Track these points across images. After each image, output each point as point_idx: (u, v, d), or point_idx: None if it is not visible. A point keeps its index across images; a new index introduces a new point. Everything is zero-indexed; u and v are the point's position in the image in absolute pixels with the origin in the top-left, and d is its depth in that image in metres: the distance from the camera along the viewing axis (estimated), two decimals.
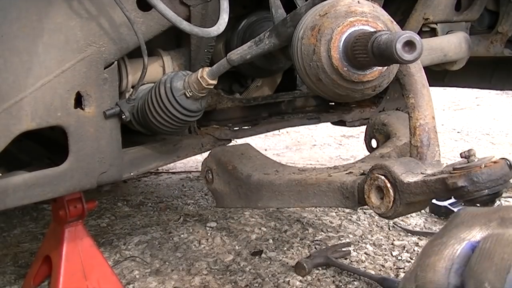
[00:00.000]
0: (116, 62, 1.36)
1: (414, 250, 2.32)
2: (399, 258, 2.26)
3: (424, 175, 1.10)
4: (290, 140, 4.97)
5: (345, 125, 2.27)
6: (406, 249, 2.34)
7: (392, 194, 1.12)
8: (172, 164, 3.72)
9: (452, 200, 2.60)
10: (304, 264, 2.09)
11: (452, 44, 1.87)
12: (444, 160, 1.25)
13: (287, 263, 2.22)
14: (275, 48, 1.28)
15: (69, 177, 1.35)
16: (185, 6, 1.44)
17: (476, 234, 0.67)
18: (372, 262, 2.23)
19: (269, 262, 2.24)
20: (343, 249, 2.28)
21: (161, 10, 1.26)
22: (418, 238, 2.44)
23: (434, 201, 2.63)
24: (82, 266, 1.79)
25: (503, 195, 1.87)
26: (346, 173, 1.33)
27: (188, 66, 1.59)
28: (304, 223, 2.65)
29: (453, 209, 2.59)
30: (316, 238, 2.47)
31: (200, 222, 2.74)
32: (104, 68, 1.34)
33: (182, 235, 2.56)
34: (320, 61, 1.04)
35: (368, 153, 1.64)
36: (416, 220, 2.65)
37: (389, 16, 1.09)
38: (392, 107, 2.26)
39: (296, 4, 1.33)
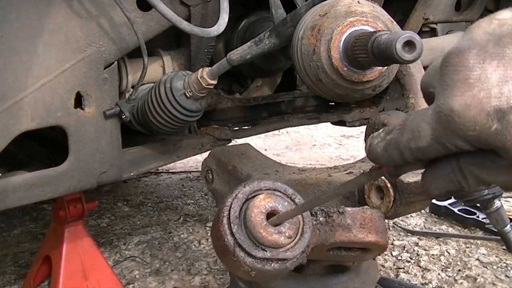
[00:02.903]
0: (116, 62, 1.36)
1: (414, 250, 2.32)
2: (399, 258, 2.26)
3: None
4: (290, 140, 4.97)
5: (345, 125, 2.26)
6: (406, 249, 2.34)
7: (392, 194, 1.12)
8: (172, 164, 3.72)
9: (452, 200, 2.60)
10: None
11: (452, 44, 1.87)
12: None
13: None
14: (275, 48, 1.28)
15: (69, 177, 1.35)
16: (185, 6, 1.43)
17: None
18: None
19: None
20: None
21: (161, 10, 1.26)
22: (418, 238, 2.45)
23: (434, 201, 2.63)
24: (82, 266, 1.79)
25: (503, 195, 1.87)
26: (346, 173, 1.33)
27: (188, 66, 1.59)
28: None
29: (453, 209, 2.59)
30: None
31: (200, 222, 2.74)
32: (104, 68, 1.34)
33: (182, 235, 2.56)
34: (320, 61, 1.04)
35: None
36: (416, 220, 2.65)
37: (389, 16, 1.09)
38: (392, 107, 2.26)
39: (296, 4, 1.33)
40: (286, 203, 0.89)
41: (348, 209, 1.03)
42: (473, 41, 0.54)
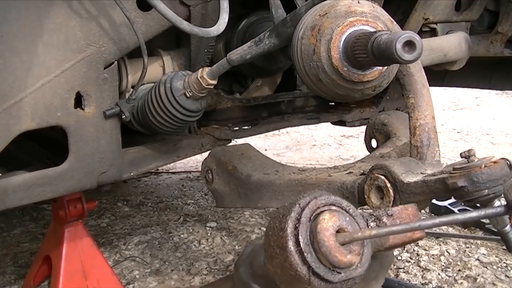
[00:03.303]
0: (116, 62, 1.36)
1: (414, 250, 2.32)
2: (399, 258, 2.26)
3: (424, 175, 1.10)
4: (290, 140, 4.97)
5: (345, 125, 2.27)
6: (406, 249, 2.33)
7: (392, 194, 1.12)
8: (172, 164, 3.72)
9: (452, 200, 2.60)
10: None
11: (452, 44, 1.87)
12: (444, 160, 1.25)
13: None
14: (275, 48, 1.28)
15: (69, 177, 1.35)
16: (185, 6, 1.44)
17: None
18: None
19: None
20: None
21: (161, 10, 1.26)
22: None
23: (434, 201, 2.63)
24: (82, 266, 1.79)
25: None
26: (346, 173, 1.33)
27: (188, 66, 1.59)
28: None
29: (453, 209, 2.59)
30: None
31: (200, 222, 2.74)
32: (104, 68, 1.34)
33: (182, 235, 2.56)
34: (320, 61, 1.04)
35: (368, 153, 1.64)
36: None
37: (389, 16, 1.09)
38: (392, 107, 2.26)
39: (296, 4, 1.33)
40: (347, 218, 0.86)
41: (394, 209, 0.99)
42: None
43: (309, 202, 0.87)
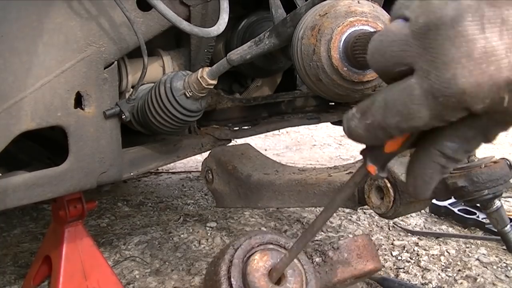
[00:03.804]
0: (116, 62, 1.37)
1: (414, 250, 2.32)
2: (399, 258, 2.26)
3: None
4: (290, 140, 4.97)
5: None
6: (406, 249, 2.34)
7: (392, 194, 1.12)
8: (172, 164, 3.72)
9: (452, 200, 2.60)
10: None
11: None
12: None
13: None
14: (275, 48, 1.28)
15: (69, 177, 1.35)
16: (185, 6, 1.44)
17: None
18: None
19: None
20: None
21: (161, 10, 1.26)
22: (418, 238, 2.45)
23: (434, 201, 2.63)
24: (82, 266, 1.79)
25: (503, 195, 1.87)
26: (346, 173, 1.33)
27: (188, 66, 1.60)
28: (304, 223, 2.66)
29: (453, 209, 2.59)
30: (316, 238, 2.47)
31: (200, 222, 2.74)
32: (104, 68, 1.34)
33: (182, 235, 2.56)
34: (320, 61, 1.04)
35: None
36: (416, 220, 2.65)
37: (389, 16, 1.09)
38: None
39: (296, 4, 1.33)
40: (282, 255, 0.83)
41: (341, 242, 0.98)
42: (462, 6, 0.47)
43: (242, 243, 0.85)
